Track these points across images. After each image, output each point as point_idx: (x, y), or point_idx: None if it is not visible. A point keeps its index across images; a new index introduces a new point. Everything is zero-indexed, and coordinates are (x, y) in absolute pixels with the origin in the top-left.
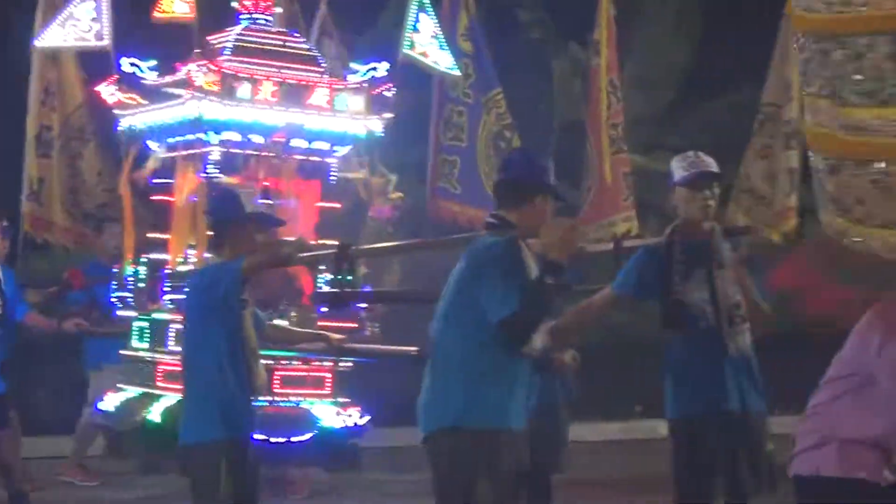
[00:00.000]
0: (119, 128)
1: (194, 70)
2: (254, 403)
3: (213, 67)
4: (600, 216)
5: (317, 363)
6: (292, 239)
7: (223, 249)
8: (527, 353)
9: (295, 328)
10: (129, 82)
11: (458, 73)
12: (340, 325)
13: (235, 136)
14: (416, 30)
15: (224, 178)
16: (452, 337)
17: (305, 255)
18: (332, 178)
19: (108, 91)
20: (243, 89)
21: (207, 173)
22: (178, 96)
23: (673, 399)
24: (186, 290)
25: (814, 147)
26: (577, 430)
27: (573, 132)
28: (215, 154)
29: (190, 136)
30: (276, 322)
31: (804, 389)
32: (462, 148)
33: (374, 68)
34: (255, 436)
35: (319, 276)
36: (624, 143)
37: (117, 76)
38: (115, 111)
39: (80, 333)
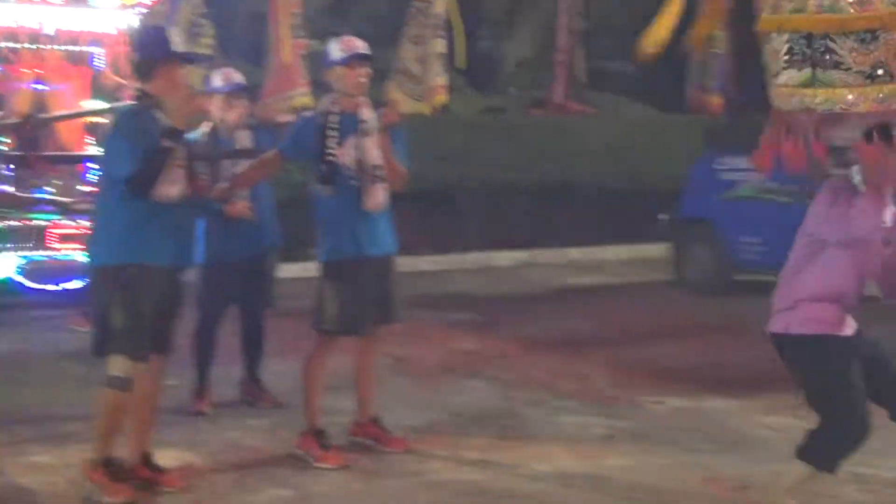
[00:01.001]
0: None
1: None
2: None
3: None
4: (280, 90)
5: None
6: None
7: None
8: (163, 202)
9: (21, 194)
10: None
11: None
12: None
13: None
14: None
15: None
16: (99, 191)
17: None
18: (96, 64)
19: None
20: None
21: None
22: None
23: (326, 245)
24: None
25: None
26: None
27: (258, 20)
28: None
29: None
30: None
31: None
32: None
33: None
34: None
35: None
36: (301, 30)
37: None
38: None
39: None
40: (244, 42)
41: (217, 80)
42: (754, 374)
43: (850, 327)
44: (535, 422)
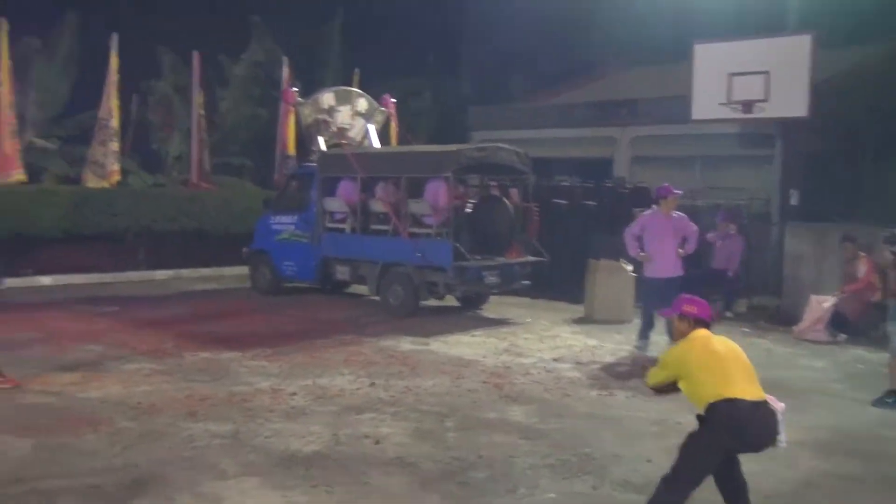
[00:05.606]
0: None
1: None
2: None
3: None
4: (7, 170)
5: None
6: None
7: None
8: None
9: None
10: None
11: None
12: None
13: None
14: None
15: None
16: None
17: None
18: None
19: None
20: None
21: None
22: None
23: None
24: None
25: None
26: None
27: None
28: None
29: None
30: None
31: None
32: None
33: None
34: None
35: None
36: (16, 133)
37: None
38: None
39: None
40: None
41: None
42: (259, 337)
43: None
44: (109, 367)
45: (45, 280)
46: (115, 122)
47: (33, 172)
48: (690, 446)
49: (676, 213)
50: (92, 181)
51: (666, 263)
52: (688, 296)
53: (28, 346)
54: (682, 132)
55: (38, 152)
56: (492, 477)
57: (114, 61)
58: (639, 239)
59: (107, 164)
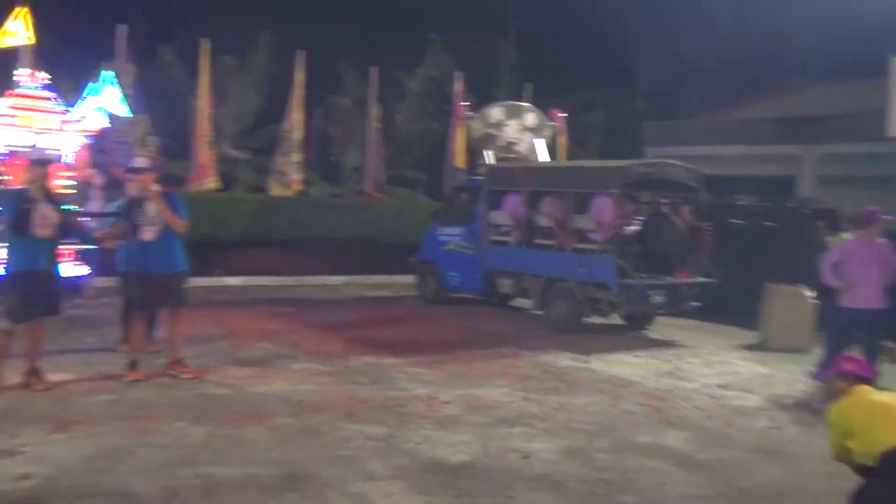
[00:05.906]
0: None
1: None
2: None
3: None
4: (202, 178)
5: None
6: None
7: None
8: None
9: None
10: None
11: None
12: None
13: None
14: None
15: None
16: None
17: None
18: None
19: None
20: None
21: None
22: None
23: (125, 262)
24: None
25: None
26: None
27: (186, 138)
28: None
29: None
30: None
31: None
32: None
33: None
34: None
35: None
36: (213, 144)
37: None
38: None
39: None
40: (179, 148)
41: None
42: (420, 345)
43: None
44: (278, 365)
45: (232, 281)
46: (298, 135)
47: (226, 181)
48: (864, 498)
49: (882, 240)
50: (276, 190)
51: (869, 293)
52: (846, 355)
53: (211, 341)
54: (877, 150)
55: (231, 162)
56: (640, 503)
57: (299, 77)
58: (836, 265)
59: (289, 175)
